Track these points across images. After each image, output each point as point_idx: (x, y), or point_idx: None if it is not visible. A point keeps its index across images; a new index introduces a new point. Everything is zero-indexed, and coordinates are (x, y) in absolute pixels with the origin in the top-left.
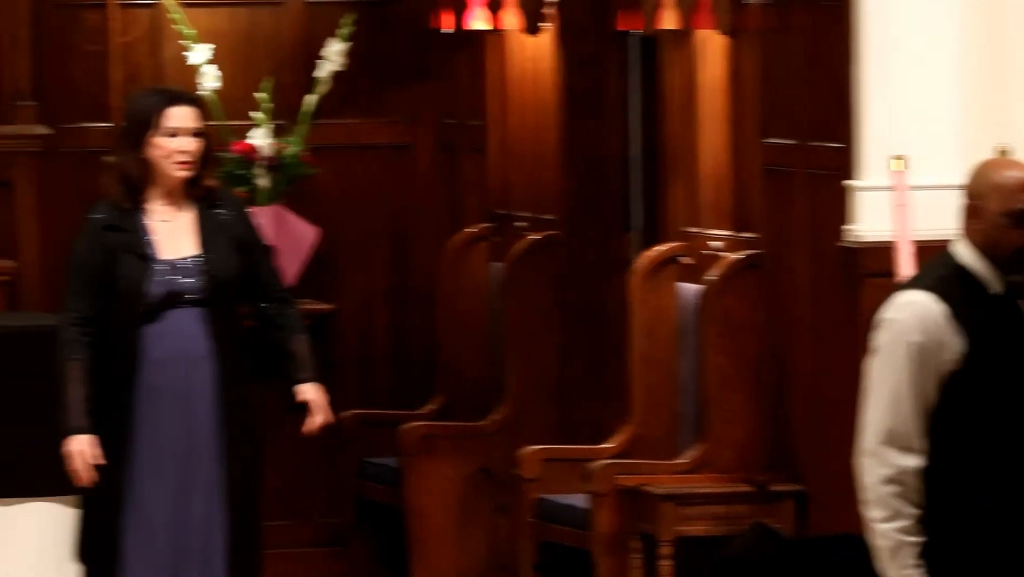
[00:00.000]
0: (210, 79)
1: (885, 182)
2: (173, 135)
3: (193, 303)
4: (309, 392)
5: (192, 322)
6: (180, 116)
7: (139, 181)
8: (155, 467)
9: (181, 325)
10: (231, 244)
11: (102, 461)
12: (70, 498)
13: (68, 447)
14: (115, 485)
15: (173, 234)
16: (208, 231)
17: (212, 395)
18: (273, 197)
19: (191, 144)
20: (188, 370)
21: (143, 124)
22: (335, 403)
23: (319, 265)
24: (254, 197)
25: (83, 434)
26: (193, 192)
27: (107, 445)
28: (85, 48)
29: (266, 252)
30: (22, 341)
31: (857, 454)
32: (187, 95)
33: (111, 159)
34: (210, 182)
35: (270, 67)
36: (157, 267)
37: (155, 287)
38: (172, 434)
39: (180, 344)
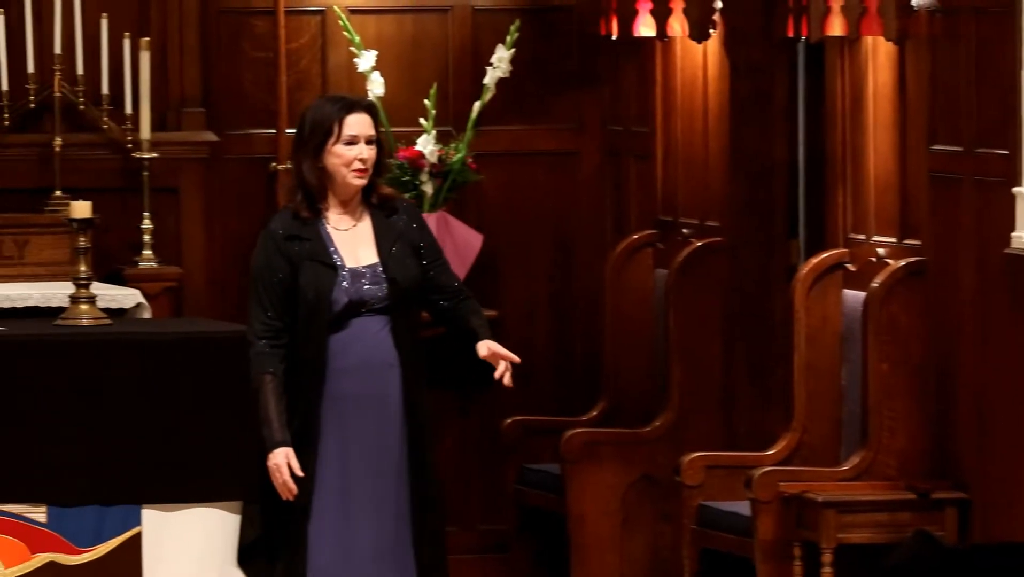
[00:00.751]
0: (377, 86)
1: None
2: (352, 143)
3: (376, 311)
4: (483, 347)
5: (377, 330)
6: (358, 124)
7: (318, 190)
8: (342, 476)
9: (367, 333)
10: (409, 251)
11: (301, 473)
12: (233, 504)
13: (271, 461)
14: (303, 495)
15: (352, 242)
16: (386, 239)
17: (399, 403)
18: (439, 203)
19: (369, 151)
20: (375, 378)
21: (324, 132)
22: (497, 410)
23: (483, 271)
24: (420, 203)
25: (284, 448)
26: (367, 200)
27: (300, 456)
28: (253, 55)
29: (440, 253)
30: (188, 347)
31: None
32: (363, 102)
33: (285, 168)
34: (384, 190)
35: (436, 74)
36: (342, 275)
37: (342, 295)
38: (361, 443)
39: (367, 352)
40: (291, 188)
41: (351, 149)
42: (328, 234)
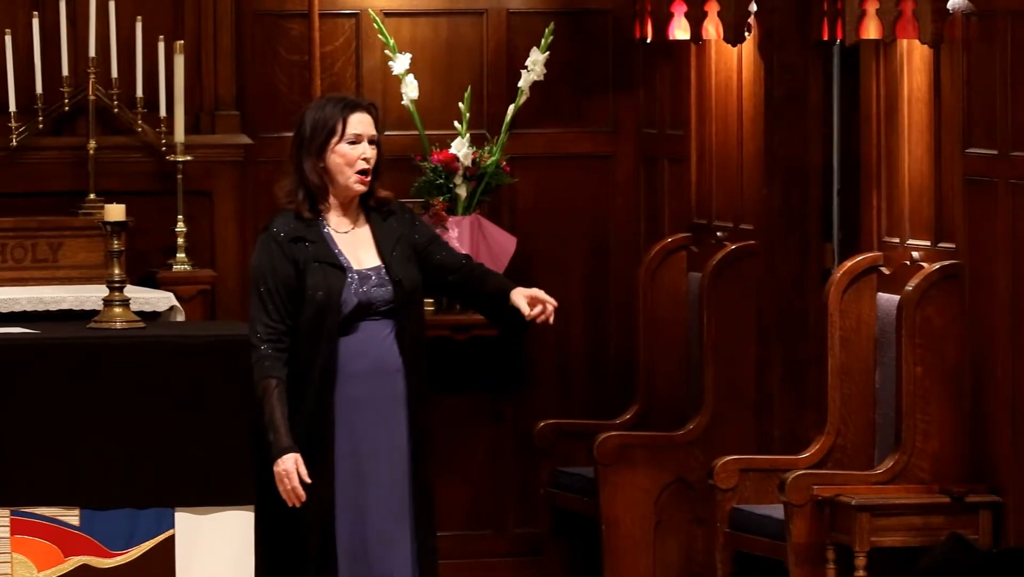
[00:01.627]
0: (411, 88)
1: None
2: (355, 142)
3: (382, 313)
4: (517, 295)
5: (385, 333)
6: (361, 123)
7: (320, 189)
8: (353, 479)
9: (375, 336)
10: (409, 253)
11: (309, 480)
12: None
13: (278, 467)
14: (323, 500)
15: (353, 245)
16: (386, 241)
17: (404, 405)
18: (472, 207)
19: (372, 151)
20: (384, 381)
21: (328, 131)
22: (531, 413)
23: (517, 274)
24: (453, 206)
25: (292, 453)
26: (365, 202)
27: (307, 460)
28: (287, 58)
29: (438, 236)
30: (221, 350)
31: None
32: (365, 102)
33: (286, 169)
34: (381, 192)
35: (470, 77)
36: (351, 277)
37: (351, 296)
38: (370, 446)
39: (376, 355)
40: (290, 189)
41: (355, 148)
42: (331, 236)
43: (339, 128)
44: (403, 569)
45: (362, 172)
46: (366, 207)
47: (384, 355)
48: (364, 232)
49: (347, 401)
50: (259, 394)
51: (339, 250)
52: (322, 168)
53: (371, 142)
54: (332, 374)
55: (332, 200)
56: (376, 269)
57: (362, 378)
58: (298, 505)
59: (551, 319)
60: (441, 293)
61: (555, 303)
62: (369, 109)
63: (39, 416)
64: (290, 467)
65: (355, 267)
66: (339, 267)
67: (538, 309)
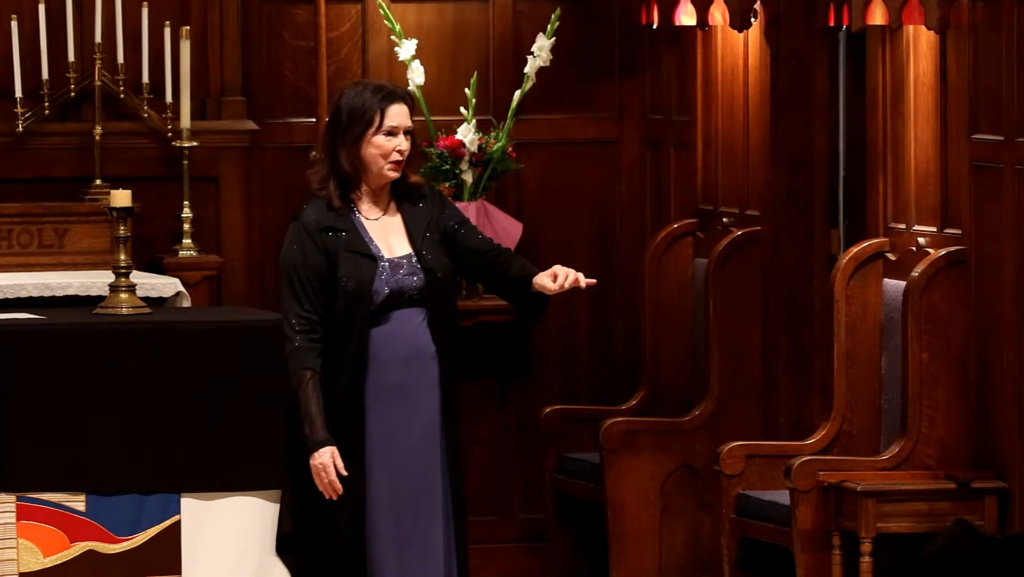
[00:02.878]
0: (417, 74)
1: None
2: (392, 134)
3: (414, 301)
4: (541, 277)
5: (417, 321)
6: (399, 115)
7: (353, 178)
8: (387, 466)
9: (407, 324)
10: (441, 240)
11: (345, 473)
12: (272, 493)
13: (315, 461)
14: (355, 489)
15: (384, 232)
16: (418, 229)
17: (437, 393)
18: (478, 192)
19: (406, 143)
20: (417, 369)
21: (366, 122)
22: (537, 399)
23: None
24: (459, 192)
25: (328, 446)
26: (396, 188)
27: (342, 449)
28: (293, 44)
29: (467, 219)
30: (227, 336)
31: None
32: (402, 92)
33: (318, 155)
34: (412, 178)
35: (477, 62)
36: (382, 266)
37: (383, 286)
38: (402, 434)
39: (409, 343)
40: (322, 177)
41: (391, 140)
42: (362, 224)
43: (377, 119)
44: (437, 554)
45: (396, 162)
46: (397, 193)
47: (418, 342)
48: (395, 219)
49: (380, 388)
50: (294, 385)
51: (370, 238)
52: (356, 158)
53: (407, 133)
54: (364, 363)
55: (364, 188)
56: (407, 257)
57: (395, 365)
58: (335, 498)
59: (583, 281)
60: (465, 276)
61: (576, 272)
62: (406, 99)
63: (45, 402)
64: (327, 461)
65: (386, 255)
66: (370, 256)
67: (563, 277)
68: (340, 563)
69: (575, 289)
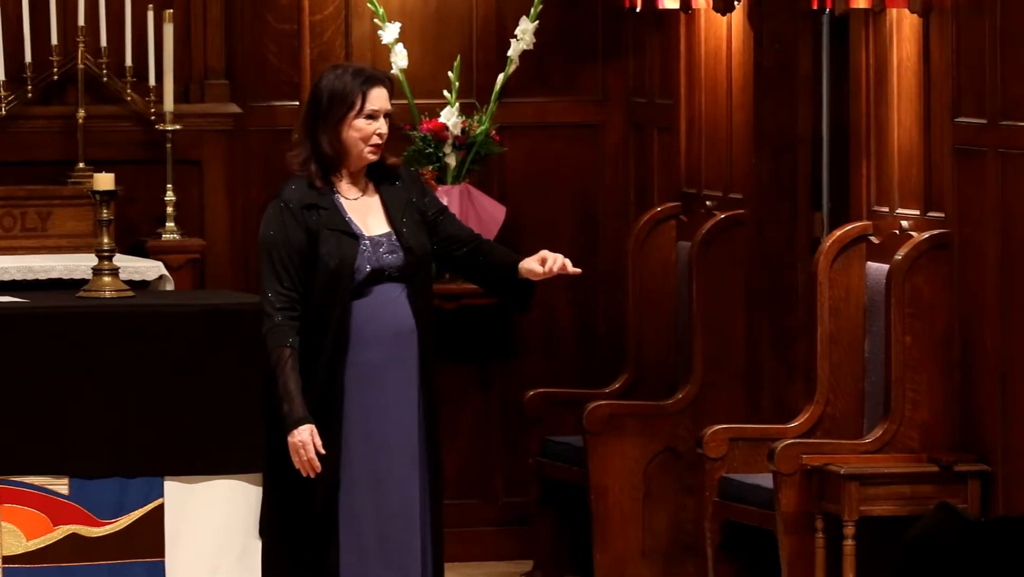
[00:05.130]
0: (400, 58)
1: None
2: (372, 117)
3: (394, 279)
4: (527, 262)
5: (397, 298)
6: (380, 98)
7: (334, 160)
8: (365, 443)
9: (388, 301)
10: (418, 219)
11: (324, 451)
12: (255, 476)
13: (294, 439)
14: (330, 466)
15: (363, 211)
16: (396, 208)
17: (415, 370)
18: (462, 176)
19: (385, 126)
20: (396, 346)
21: (347, 105)
22: (520, 382)
23: (506, 243)
24: (443, 175)
25: (307, 424)
26: (373, 169)
27: (320, 427)
28: (276, 27)
29: (445, 207)
30: (210, 319)
31: None
32: (382, 75)
33: (298, 137)
34: (389, 159)
35: (460, 46)
36: (363, 244)
37: (364, 263)
38: (380, 411)
39: (389, 321)
40: (303, 159)
41: (371, 124)
42: (341, 204)
43: (358, 103)
44: (413, 531)
45: (376, 145)
46: (374, 174)
47: (395, 319)
48: (374, 199)
49: (360, 365)
50: (272, 362)
51: (350, 217)
52: (337, 140)
53: (386, 116)
54: (345, 340)
55: (344, 170)
56: (387, 236)
57: (377, 342)
58: (312, 476)
59: (570, 266)
60: (446, 266)
61: (563, 257)
62: (385, 82)
63: (28, 385)
64: (306, 438)
65: (366, 234)
66: (352, 235)
67: (551, 261)
68: (312, 540)
69: (559, 273)
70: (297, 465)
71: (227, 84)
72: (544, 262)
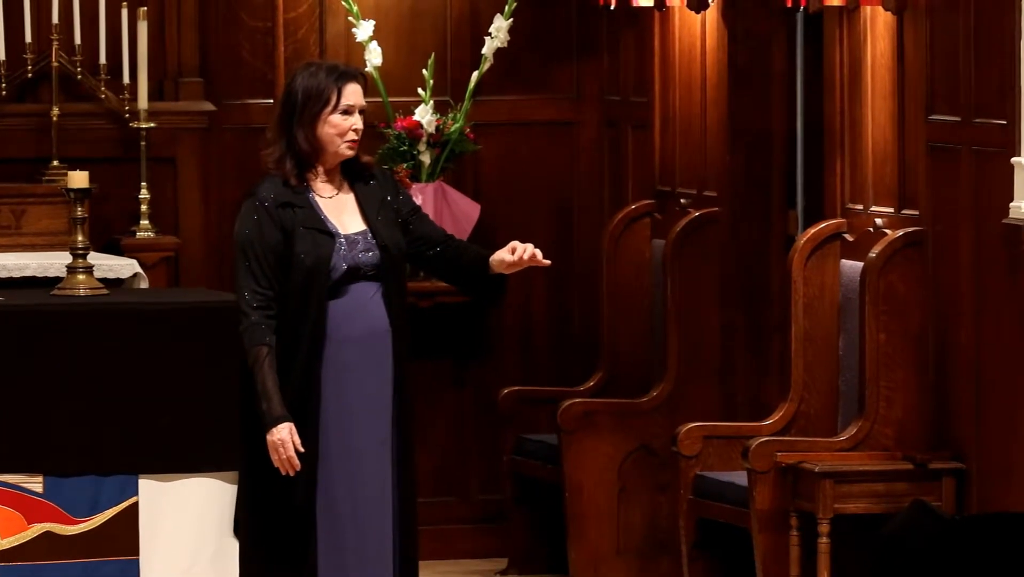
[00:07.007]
0: (375, 55)
1: None
2: (348, 112)
3: (369, 278)
4: (500, 252)
5: (373, 298)
6: (355, 94)
7: (310, 157)
8: (340, 442)
9: (364, 300)
10: (392, 217)
11: (303, 450)
12: (230, 474)
13: (273, 437)
14: (308, 463)
15: (338, 209)
16: (371, 206)
17: (390, 368)
18: (436, 173)
19: (360, 121)
20: (372, 345)
21: (322, 102)
22: (495, 380)
23: (480, 241)
24: (417, 173)
25: (286, 423)
26: (347, 167)
27: (297, 426)
28: (251, 24)
29: (419, 207)
30: (185, 317)
31: None
32: (356, 72)
33: (272, 136)
34: (364, 158)
35: (434, 44)
36: (339, 242)
37: (340, 262)
38: (355, 409)
39: (365, 319)
40: (279, 156)
41: (347, 119)
42: (316, 202)
43: (333, 99)
44: (388, 530)
45: (352, 141)
46: (348, 172)
47: (371, 317)
48: (348, 197)
49: (336, 364)
50: (250, 361)
51: (325, 216)
52: (313, 137)
53: (360, 111)
54: (321, 338)
55: (319, 167)
56: (363, 233)
57: (352, 341)
58: (292, 474)
59: (539, 256)
60: (419, 265)
61: (533, 247)
62: (359, 78)
63: (2, 383)
64: (285, 436)
65: (342, 232)
66: (327, 233)
67: (521, 249)
68: (291, 539)
69: (533, 269)
70: (276, 464)
71: (201, 82)
72: (514, 251)
